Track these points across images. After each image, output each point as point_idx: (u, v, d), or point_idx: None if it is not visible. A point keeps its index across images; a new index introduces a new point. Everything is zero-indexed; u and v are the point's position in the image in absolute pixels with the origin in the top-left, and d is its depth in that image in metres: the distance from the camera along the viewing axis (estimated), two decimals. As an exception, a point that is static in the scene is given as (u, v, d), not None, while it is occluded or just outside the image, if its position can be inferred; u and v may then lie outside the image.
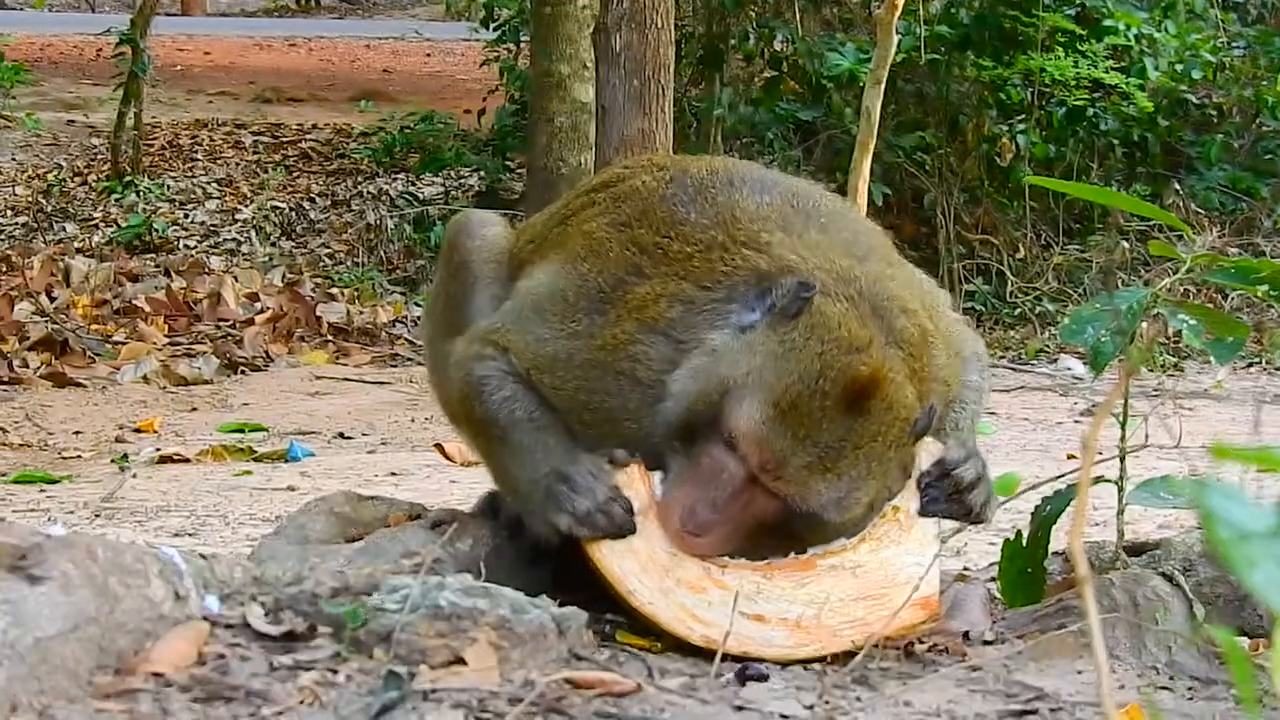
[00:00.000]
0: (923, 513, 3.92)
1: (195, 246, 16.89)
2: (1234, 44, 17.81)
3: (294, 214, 17.83)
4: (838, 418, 3.72)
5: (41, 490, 8.12)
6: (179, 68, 24.48)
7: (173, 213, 17.75)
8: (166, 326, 13.00)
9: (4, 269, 14.47)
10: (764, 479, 3.76)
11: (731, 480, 3.79)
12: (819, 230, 4.05)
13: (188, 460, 8.99)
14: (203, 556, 3.90)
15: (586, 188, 4.43)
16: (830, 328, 3.76)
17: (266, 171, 18.97)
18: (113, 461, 8.95)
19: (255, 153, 19.74)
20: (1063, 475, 4.05)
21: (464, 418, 4.20)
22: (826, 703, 3.58)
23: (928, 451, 3.96)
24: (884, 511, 3.92)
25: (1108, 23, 16.56)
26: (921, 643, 3.90)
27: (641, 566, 3.85)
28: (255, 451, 9.28)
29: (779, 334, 3.76)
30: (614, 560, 3.86)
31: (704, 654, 3.78)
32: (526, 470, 4.00)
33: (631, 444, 3.93)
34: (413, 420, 10.78)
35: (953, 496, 3.94)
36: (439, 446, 9.17)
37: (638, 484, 3.91)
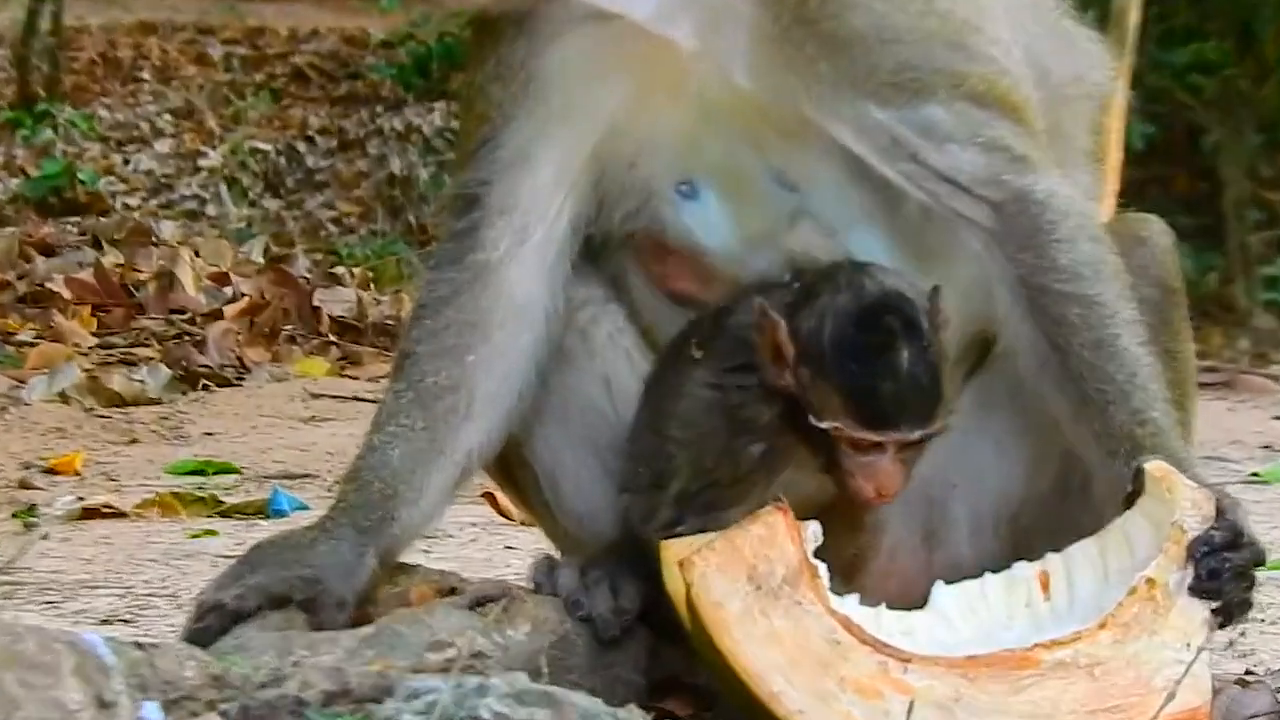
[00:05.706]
0: (1194, 591, 3.91)
1: (138, 206, 17.02)
2: None
3: (283, 160, 17.95)
4: None
5: (-88, 556, 8.20)
6: (117, -53, 24.74)
7: (105, 156, 17.90)
8: (94, 320, 13.11)
9: None
10: None
11: None
12: None
13: (124, 514, 9.06)
14: (139, 646, 3.93)
15: None
16: None
17: (244, 98, 19.11)
18: (15, 515, 9.02)
19: (228, 70, 19.88)
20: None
21: None
22: None
23: (1194, 505, 3.94)
24: (1133, 587, 3.90)
25: None
26: (1188, 774, 3.89)
27: (790, 660, 3.83)
28: (222, 502, 9.33)
29: None
30: (750, 650, 3.84)
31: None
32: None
33: None
34: (450, 459, 10.78)
35: (1242, 572, 3.94)
36: (489, 496, 9.15)
37: (783, 540, 3.91)
